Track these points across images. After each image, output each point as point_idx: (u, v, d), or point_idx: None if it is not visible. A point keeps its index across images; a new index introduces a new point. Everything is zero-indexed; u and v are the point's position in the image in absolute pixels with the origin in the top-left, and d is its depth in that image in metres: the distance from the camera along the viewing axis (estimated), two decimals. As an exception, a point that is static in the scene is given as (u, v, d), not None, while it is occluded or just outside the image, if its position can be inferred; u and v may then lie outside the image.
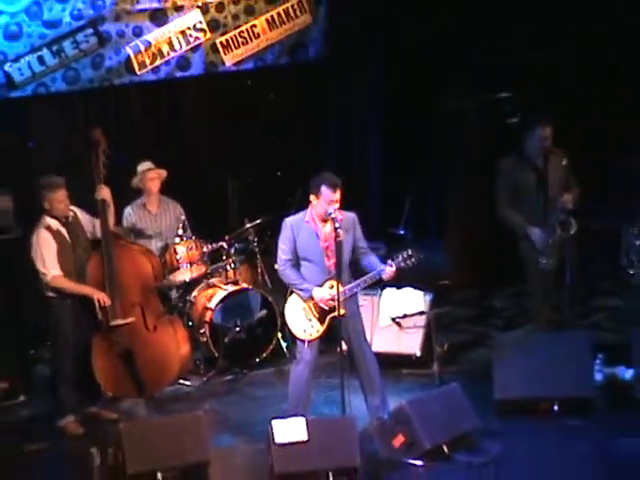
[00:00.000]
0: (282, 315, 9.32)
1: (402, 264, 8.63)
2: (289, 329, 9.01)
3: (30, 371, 10.15)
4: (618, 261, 10.11)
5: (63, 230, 9.28)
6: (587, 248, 10.09)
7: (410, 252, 8.63)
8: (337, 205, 8.58)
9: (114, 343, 9.39)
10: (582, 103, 11.06)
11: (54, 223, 9.25)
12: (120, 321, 9.35)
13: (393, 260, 8.64)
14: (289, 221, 8.75)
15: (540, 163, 9.71)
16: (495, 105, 11.32)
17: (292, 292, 8.87)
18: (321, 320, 8.72)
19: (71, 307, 9.30)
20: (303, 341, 8.95)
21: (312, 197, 8.62)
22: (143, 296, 9.57)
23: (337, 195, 8.55)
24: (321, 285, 8.68)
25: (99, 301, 9.26)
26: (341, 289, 8.53)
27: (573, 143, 9.78)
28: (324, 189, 8.52)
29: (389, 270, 8.61)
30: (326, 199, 8.53)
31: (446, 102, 11.55)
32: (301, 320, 8.79)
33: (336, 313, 8.62)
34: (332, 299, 8.59)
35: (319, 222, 8.67)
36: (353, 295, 8.76)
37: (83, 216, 9.38)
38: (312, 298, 8.66)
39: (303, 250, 8.71)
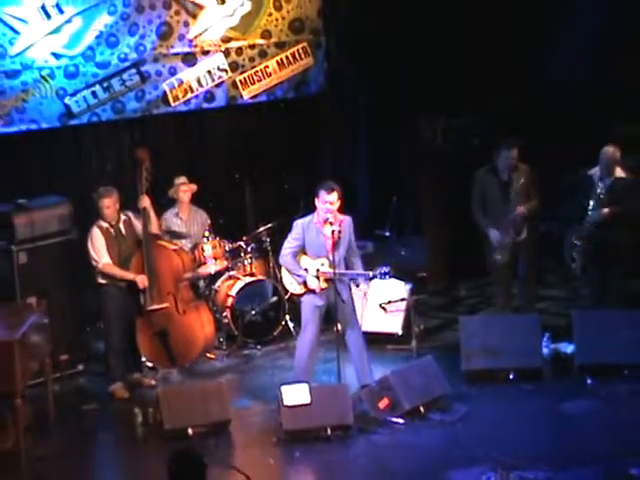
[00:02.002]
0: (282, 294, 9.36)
1: (378, 277, 8.74)
2: (284, 286, 9.24)
3: (86, 346, 10.09)
4: (563, 258, 10.07)
5: (111, 230, 9.37)
6: (539, 247, 10.09)
7: (387, 270, 8.72)
8: (333, 207, 8.62)
9: (152, 324, 9.45)
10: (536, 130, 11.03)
11: (105, 224, 9.36)
12: (156, 306, 9.42)
13: (374, 271, 8.71)
14: (300, 222, 8.84)
15: (506, 177, 9.68)
16: (460, 129, 11.26)
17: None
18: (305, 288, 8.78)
19: (118, 292, 9.38)
20: (294, 319, 9.23)
21: (316, 201, 8.70)
22: (175, 286, 9.59)
23: (332, 197, 8.60)
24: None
25: (140, 283, 9.29)
26: (331, 270, 8.58)
27: (529, 160, 9.77)
28: (321, 192, 8.63)
29: (364, 286, 8.95)
30: (322, 200, 8.62)
31: (420, 126, 11.44)
32: (293, 285, 8.91)
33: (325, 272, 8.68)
34: (320, 288, 8.69)
35: (323, 225, 8.70)
36: (346, 287, 8.80)
37: (136, 220, 9.46)
38: (305, 283, 8.75)
39: (310, 245, 8.79)
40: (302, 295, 8.92)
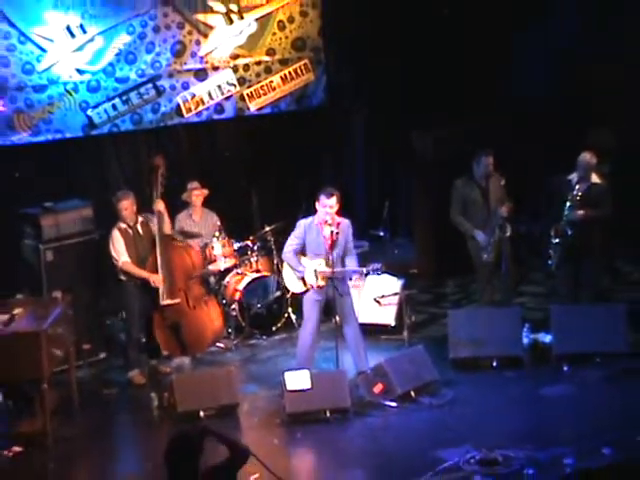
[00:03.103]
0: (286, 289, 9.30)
1: (372, 272, 8.76)
2: (285, 285, 9.24)
3: (107, 336, 10.10)
4: (542, 257, 10.07)
5: (130, 231, 9.36)
6: (520, 247, 10.16)
7: (379, 265, 8.74)
8: (332, 210, 8.63)
9: (165, 317, 9.45)
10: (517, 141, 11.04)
11: (124, 226, 9.35)
12: (169, 301, 9.40)
13: (367, 267, 8.73)
14: (303, 222, 8.85)
15: (484, 183, 9.71)
16: (447, 141, 11.22)
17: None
18: (303, 284, 8.81)
19: (137, 288, 9.39)
20: (296, 311, 9.19)
21: (316, 204, 8.70)
22: (186, 283, 9.57)
23: (331, 201, 8.61)
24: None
25: (153, 282, 9.28)
26: (329, 269, 8.59)
27: (511, 167, 9.80)
28: (322, 196, 8.64)
29: (359, 280, 8.83)
30: (322, 204, 8.63)
31: (412, 138, 11.47)
32: (292, 280, 8.93)
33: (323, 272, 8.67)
34: (318, 286, 8.71)
35: (323, 226, 8.71)
36: (344, 283, 8.82)
37: (152, 221, 9.44)
38: (303, 279, 8.76)
39: (310, 244, 8.79)
40: (302, 293, 8.93)
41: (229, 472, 5.56)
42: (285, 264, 9.00)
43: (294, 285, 8.98)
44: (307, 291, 8.84)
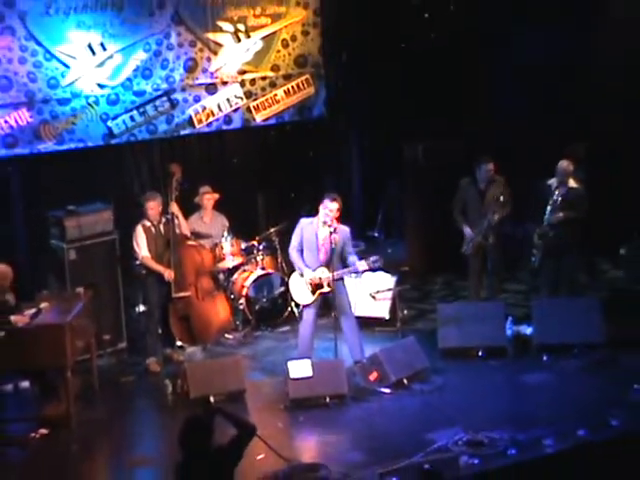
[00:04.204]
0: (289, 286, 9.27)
1: (371, 264, 8.75)
2: (291, 296, 9.14)
3: (126, 327, 10.05)
4: (525, 256, 10.04)
5: (153, 229, 9.40)
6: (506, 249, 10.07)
7: (377, 258, 8.77)
8: (332, 214, 8.63)
9: (177, 309, 9.47)
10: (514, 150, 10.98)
11: (148, 223, 9.39)
12: (180, 294, 9.43)
13: (367, 259, 8.75)
14: (302, 221, 8.89)
15: (483, 187, 9.78)
16: (437, 151, 11.19)
17: (294, 271, 8.96)
18: (312, 292, 8.80)
19: (155, 281, 9.41)
20: (298, 305, 9.14)
21: (320, 206, 8.72)
22: (196, 278, 9.59)
23: (333, 206, 8.63)
24: (314, 269, 8.75)
25: (167, 277, 9.30)
26: (330, 274, 8.64)
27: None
28: (326, 199, 8.69)
29: (363, 265, 8.69)
30: (325, 207, 8.65)
31: (404, 148, 11.45)
32: (299, 291, 8.88)
33: (323, 290, 8.73)
34: (316, 280, 8.71)
35: (321, 226, 8.73)
36: (340, 280, 8.81)
37: (174, 223, 9.47)
38: (303, 276, 8.78)
39: (305, 243, 8.82)
40: (307, 306, 8.89)
41: (238, 448, 5.59)
42: (292, 280, 9.01)
43: (302, 298, 8.95)
44: (314, 302, 8.82)
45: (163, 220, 9.47)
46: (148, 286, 9.47)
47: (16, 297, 8.39)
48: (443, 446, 7.41)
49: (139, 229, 9.37)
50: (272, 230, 10.61)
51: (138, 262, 9.43)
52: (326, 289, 8.74)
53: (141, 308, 9.90)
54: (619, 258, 11.00)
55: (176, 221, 9.47)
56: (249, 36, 11.25)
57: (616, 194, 10.79)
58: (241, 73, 11.27)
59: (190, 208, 10.26)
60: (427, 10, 11.53)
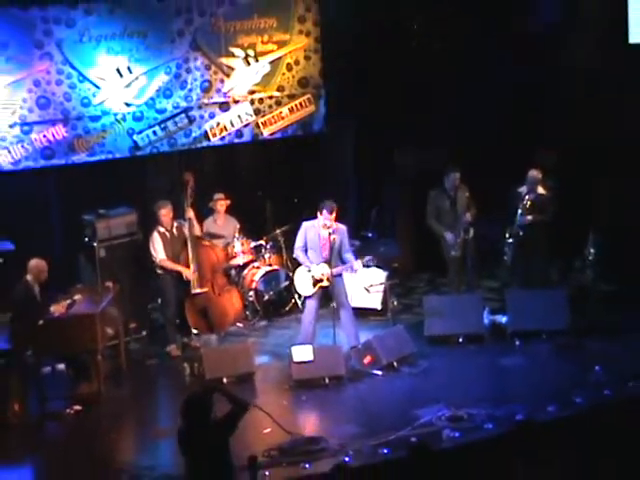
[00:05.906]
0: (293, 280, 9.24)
1: (365, 264, 8.78)
2: (295, 288, 9.15)
3: (149, 317, 10.06)
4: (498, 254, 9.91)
5: (167, 234, 9.39)
6: (481, 246, 9.99)
7: (372, 258, 8.81)
8: (332, 219, 8.69)
9: (196, 303, 9.48)
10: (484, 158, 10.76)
11: (162, 229, 9.37)
12: (198, 290, 9.43)
13: (362, 259, 8.74)
14: (305, 224, 8.89)
15: (453, 194, 9.75)
16: (425, 159, 11.05)
17: (299, 266, 8.93)
18: (313, 285, 8.78)
19: (172, 279, 9.41)
20: (301, 297, 9.13)
21: (319, 212, 8.74)
22: (212, 275, 9.59)
23: (331, 215, 8.68)
24: (317, 264, 8.75)
25: (185, 276, 9.33)
26: (329, 270, 8.65)
27: (474, 180, 9.79)
28: (324, 211, 8.67)
29: (359, 264, 8.70)
30: (325, 217, 8.68)
31: (395, 157, 11.41)
32: (303, 284, 8.88)
33: (323, 284, 8.72)
34: (320, 276, 8.68)
35: (322, 228, 8.75)
36: (339, 275, 8.80)
37: (185, 227, 9.45)
38: (313, 281, 8.75)
39: (310, 243, 8.82)
40: (309, 298, 8.87)
41: (232, 421, 5.62)
42: (296, 274, 8.97)
43: (305, 289, 8.91)
44: (315, 294, 8.79)
45: (175, 224, 9.44)
46: (165, 284, 9.43)
47: (43, 292, 8.33)
48: (428, 421, 7.43)
49: (155, 235, 9.36)
50: (278, 231, 10.58)
51: (155, 264, 9.39)
52: (326, 283, 8.73)
53: (159, 302, 9.88)
54: (585, 257, 10.87)
55: (187, 225, 9.45)
56: (258, 60, 11.19)
57: (585, 199, 10.57)
58: (251, 93, 11.21)
59: (205, 212, 10.26)
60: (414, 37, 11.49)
